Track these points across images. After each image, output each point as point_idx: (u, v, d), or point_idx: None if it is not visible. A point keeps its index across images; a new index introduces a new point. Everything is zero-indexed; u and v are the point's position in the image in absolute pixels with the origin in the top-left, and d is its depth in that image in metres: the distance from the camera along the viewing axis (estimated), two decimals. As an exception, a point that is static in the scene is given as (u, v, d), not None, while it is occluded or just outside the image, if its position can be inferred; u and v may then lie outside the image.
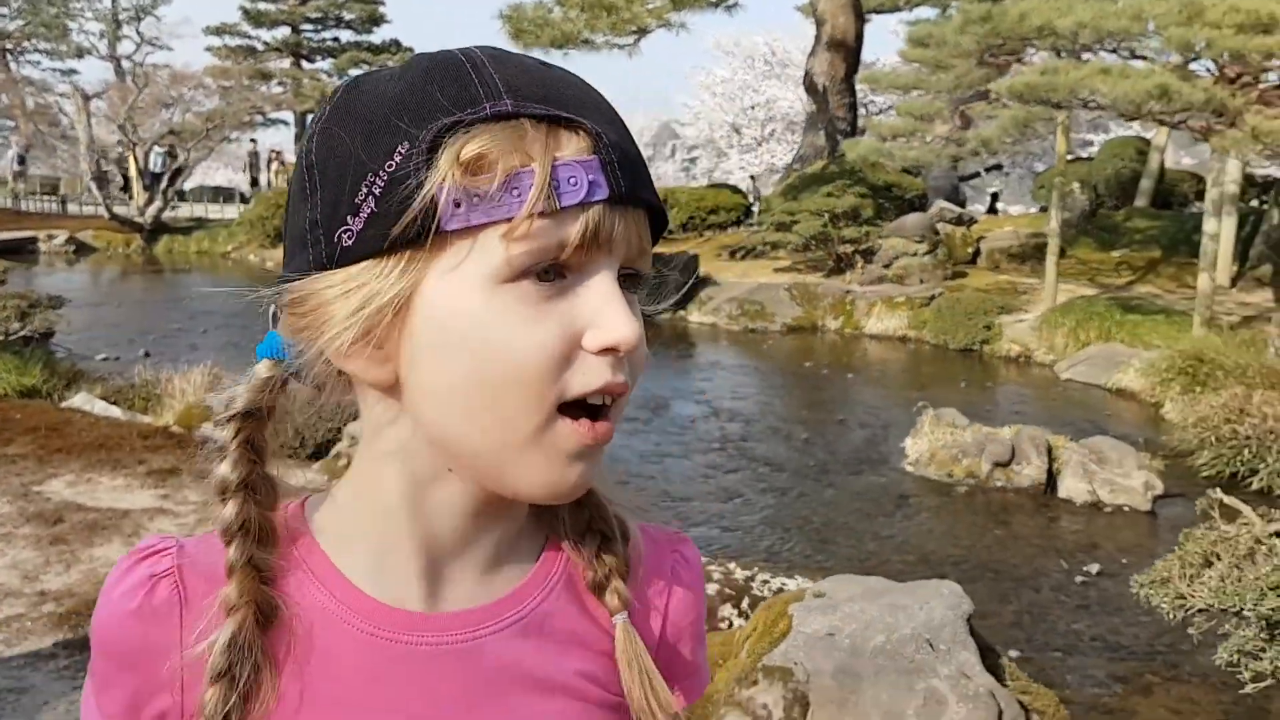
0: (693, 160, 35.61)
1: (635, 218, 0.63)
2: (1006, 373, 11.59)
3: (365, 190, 0.60)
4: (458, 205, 0.59)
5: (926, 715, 2.20)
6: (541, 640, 0.70)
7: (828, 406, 9.82)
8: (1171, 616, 2.55)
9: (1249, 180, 14.34)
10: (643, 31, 15.03)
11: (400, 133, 0.60)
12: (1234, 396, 7.52)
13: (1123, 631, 4.75)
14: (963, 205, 24.05)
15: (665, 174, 35.02)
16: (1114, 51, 9.32)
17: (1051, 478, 7.02)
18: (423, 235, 0.60)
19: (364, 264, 0.61)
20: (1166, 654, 4.55)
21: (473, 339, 0.61)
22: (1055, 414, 9.37)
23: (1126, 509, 6.58)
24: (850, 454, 8.03)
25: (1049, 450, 7.10)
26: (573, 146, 0.60)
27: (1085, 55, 10.11)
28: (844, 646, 2.37)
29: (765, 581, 3.50)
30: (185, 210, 25.73)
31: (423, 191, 0.59)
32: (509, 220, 0.58)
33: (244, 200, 25.29)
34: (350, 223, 0.61)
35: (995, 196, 27.47)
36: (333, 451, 5.81)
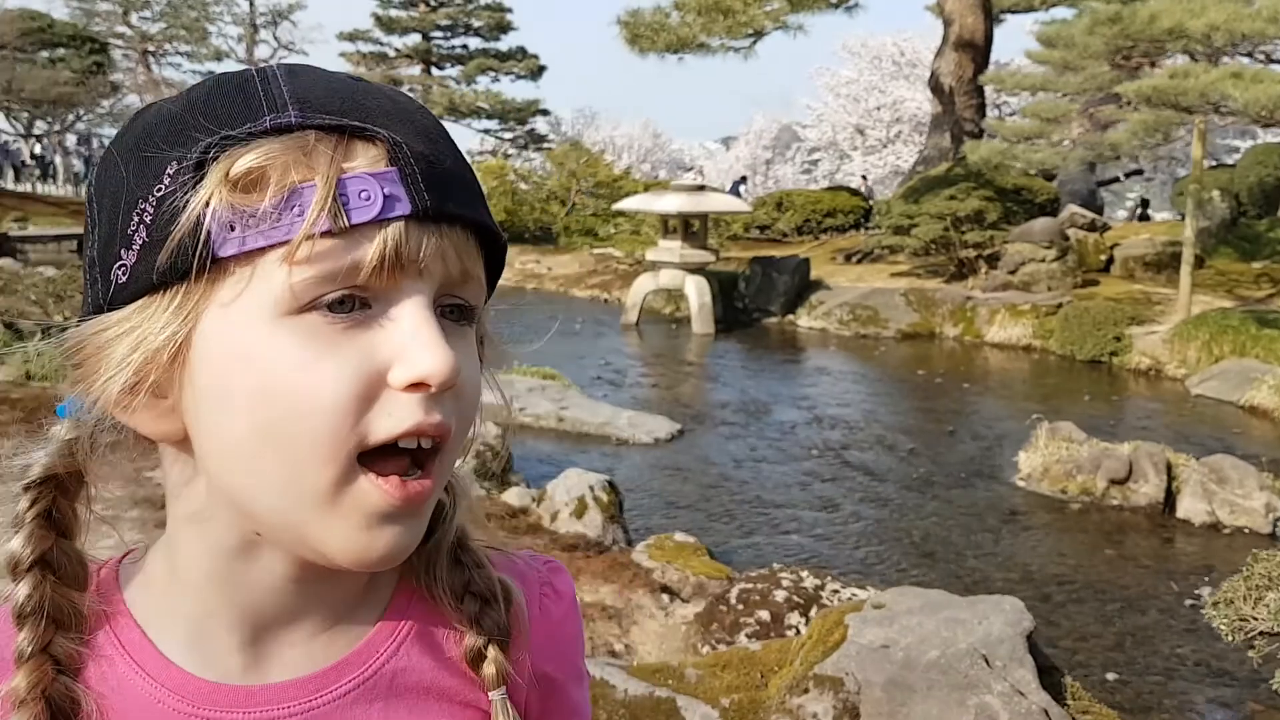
0: (814, 162, 35.21)
1: (454, 238, 0.56)
2: (1135, 386, 11.07)
3: (136, 220, 0.54)
4: (231, 228, 0.52)
5: (979, 734, 2.13)
6: (390, 701, 0.62)
7: (938, 417, 9.57)
8: (1231, 638, 2.41)
9: None
10: (759, 34, 14.94)
11: (170, 153, 0.54)
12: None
13: (1228, 657, 4.49)
14: (1100, 211, 23.10)
15: (784, 176, 34.71)
16: (1249, 55, 8.81)
17: (1170, 496, 6.68)
18: (196, 266, 0.52)
19: (138, 303, 0.54)
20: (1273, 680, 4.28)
21: (254, 382, 0.53)
22: (1182, 430, 8.91)
23: (1246, 531, 6.21)
24: (958, 466, 7.81)
25: (1168, 468, 6.76)
26: (366, 157, 0.54)
27: (1223, 59, 9.60)
28: (897, 659, 2.31)
29: (835, 591, 3.44)
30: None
31: (186, 213, 0.52)
32: (289, 242, 0.51)
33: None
34: (124, 257, 0.54)
35: (1145, 203, 26.28)
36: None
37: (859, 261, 16.60)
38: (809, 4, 14.06)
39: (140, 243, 0.53)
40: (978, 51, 17.55)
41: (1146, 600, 5.24)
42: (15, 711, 0.56)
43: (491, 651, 0.64)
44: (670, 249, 14.03)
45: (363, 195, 0.52)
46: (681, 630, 3.71)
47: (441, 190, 0.55)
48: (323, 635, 0.61)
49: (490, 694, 0.63)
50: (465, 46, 31.69)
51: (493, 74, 31.22)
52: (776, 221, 19.91)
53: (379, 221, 0.52)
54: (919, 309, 13.71)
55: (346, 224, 0.52)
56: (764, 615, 3.33)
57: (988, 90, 18.52)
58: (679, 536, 4.76)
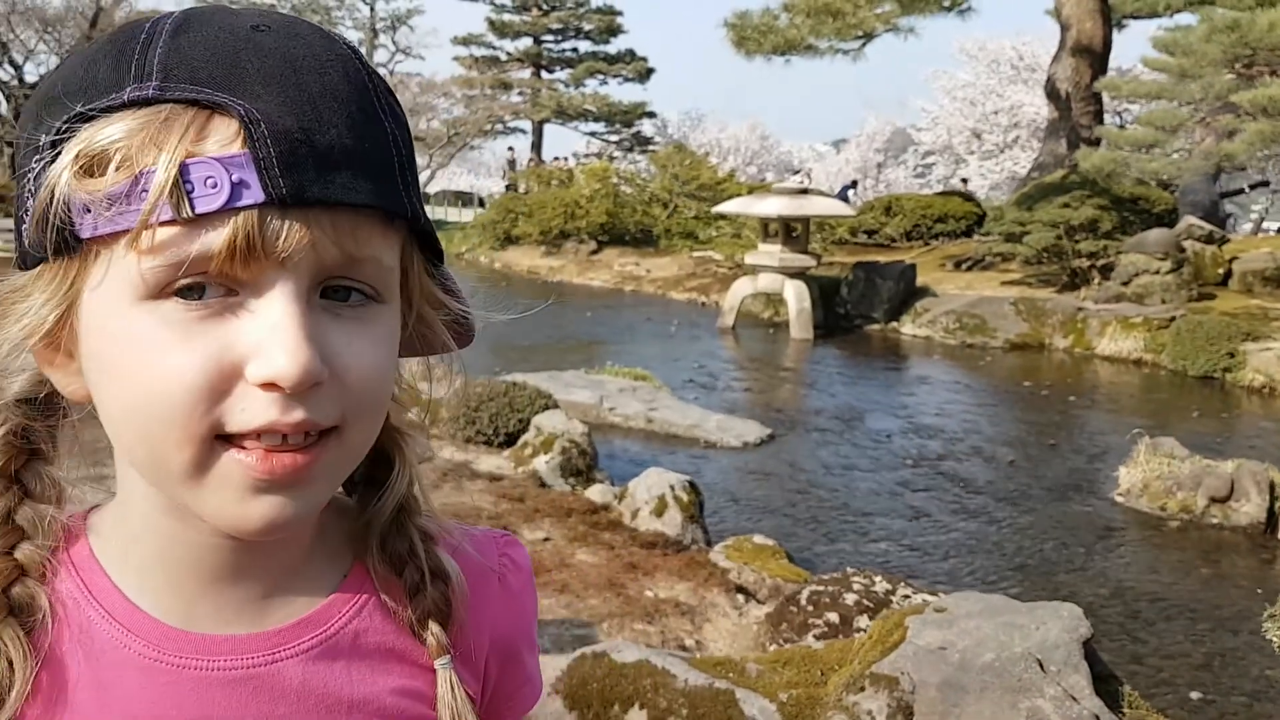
0: (927, 166, 34.59)
1: (329, 223, 0.52)
2: (1247, 404, 10.61)
3: (25, 189, 0.54)
4: (86, 210, 0.51)
5: (1029, 739, 2.15)
6: (352, 660, 0.63)
7: (1041, 429, 9.35)
8: None
9: None
10: (869, 36, 14.80)
11: (44, 123, 0.53)
12: None
13: (1325, 685, 4.33)
14: (1223, 222, 22.13)
15: (896, 180, 34.20)
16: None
17: (1272, 516, 6.42)
18: (63, 243, 0.52)
19: (38, 269, 0.54)
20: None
21: (114, 364, 0.53)
22: (1300, 452, 8.51)
23: (1359, 558, 5.94)
24: (1057, 480, 7.63)
25: (1271, 487, 6.50)
26: (221, 137, 0.50)
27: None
28: (953, 661, 2.34)
29: (906, 597, 3.45)
30: (427, 212, 27.65)
31: (42, 192, 0.51)
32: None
33: (480, 204, 26.83)
34: (25, 221, 0.54)
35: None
36: (520, 441, 6.15)
37: (969, 269, 16.29)
38: (920, 6, 13.87)
39: (26, 212, 0.53)
40: (1095, 57, 17.02)
41: (1239, 621, 5.06)
42: None
43: (431, 626, 0.65)
44: (770, 253, 14.01)
45: (209, 182, 0.49)
46: (753, 630, 3.76)
47: (308, 173, 0.51)
48: (279, 594, 0.62)
49: (435, 662, 0.65)
50: (575, 50, 32.22)
51: (601, 77, 31.66)
52: (884, 226, 19.66)
53: (228, 210, 0.50)
54: (1028, 319, 13.37)
55: (190, 213, 0.49)
56: (833, 617, 3.36)
57: (1107, 97, 17.95)
58: (758, 539, 4.81)
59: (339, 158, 0.52)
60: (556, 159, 29.04)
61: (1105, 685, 2.39)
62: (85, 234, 0.51)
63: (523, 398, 6.51)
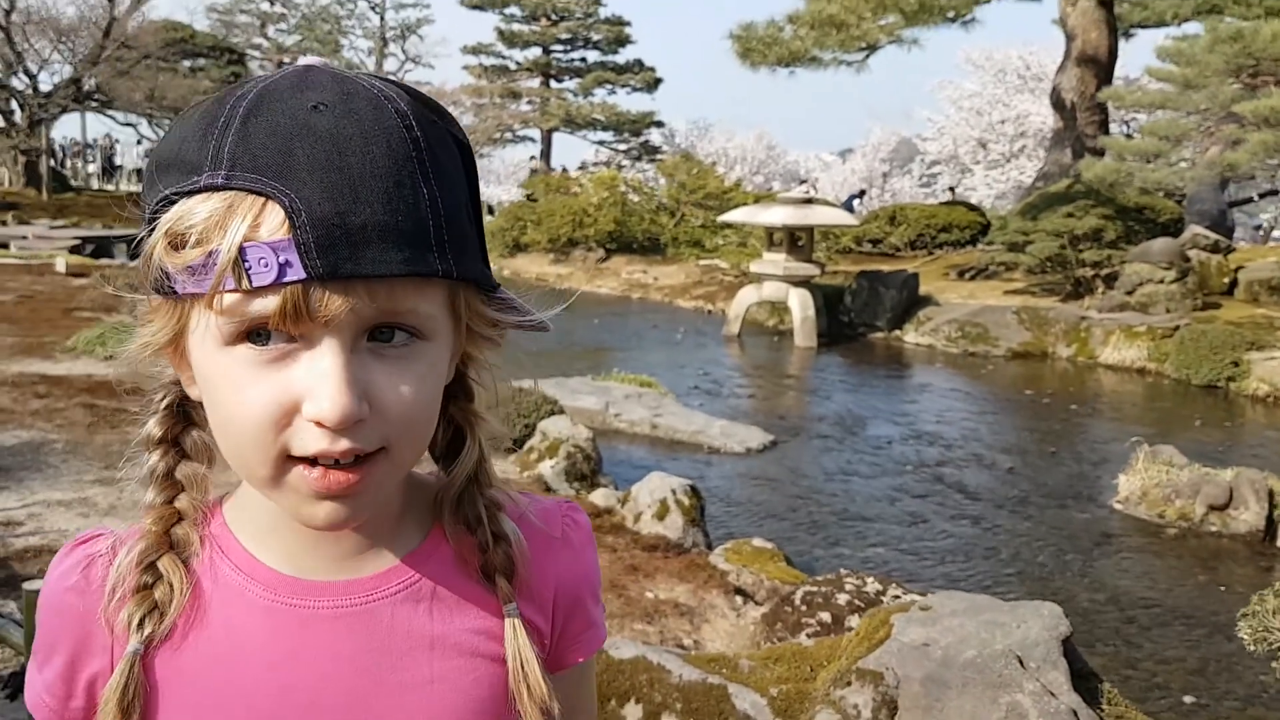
0: (933, 176, 34.65)
1: (368, 287, 0.63)
2: (1251, 413, 10.66)
3: (143, 243, 0.66)
4: (175, 274, 0.64)
5: (1008, 731, 2.23)
6: (432, 604, 0.75)
7: (1042, 437, 9.41)
8: (1255, 649, 2.43)
9: None
10: (872, 48, 14.90)
11: (153, 188, 0.66)
12: None
13: (1318, 691, 4.39)
14: (1231, 232, 22.14)
15: (901, 190, 34.27)
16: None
17: (1271, 524, 6.48)
18: (166, 293, 0.66)
19: (160, 297, 0.67)
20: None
21: (210, 394, 0.68)
22: (1300, 461, 8.56)
23: (1357, 566, 5.99)
24: (1056, 487, 7.70)
25: (1270, 495, 6.55)
26: (273, 222, 0.61)
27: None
28: (936, 657, 2.42)
29: (896, 597, 3.53)
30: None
31: (144, 256, 0.65)
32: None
33: (490, 211, 26.98)
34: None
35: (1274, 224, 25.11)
36: (526, 446, 6.25)
37: (972, 278, 16.35)
38: (925, 18, 13.97)
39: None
40: (1101, 67, 17.09)
41: (1234, 627, 5.12)
42: (141, 538, 0.73)
43: (498, 577, 0.77)
44: (774, 261, 14.10)
45: (261, 262, 0.61)
46: (750, 630, 3.85)
47: (342, 252, 0.61)
48: (372, 549, 0.75)
49: (505, 608, 0.77)
50: (584, 59, 32.39)
51: (609, 86, 31.82)
52: (889, 235, 19.74)
53: (278, 284, 0.61)
54: (1031, 328, 13.43)
55: (249, 285, 0.61)
56: (825, 617, 3.45)
57: (1112, 106, 18.02)
58: (757, 542, 4.89)
59: (372, 234, 0.62)
60: (565, 169, 29.21)
61: (1085, 683, 2.46)
62: (179, 291, 0.64)
63: (529, 403, 6.61)
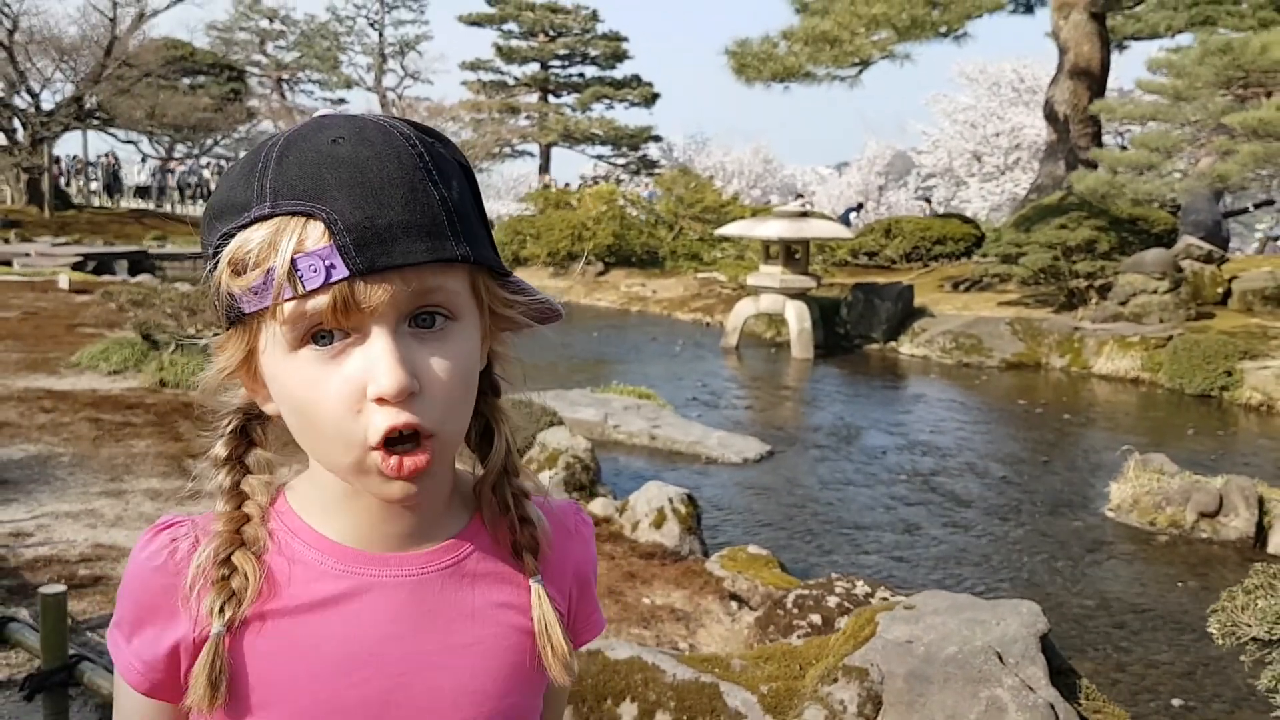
0: (929, 189, 34.83)
1: (399, 278, 0.74)
2: (1244, 422, 10.76)
3: (209, 281, 0.79)
4: (241, 297, 0.75)
5: (987, 724, 2.32)
6: (475, 579, 0.88)
7: (1035, 446, 9.51)
8: (1222, 643, 2.53)
9: None
10: (865, 63, 15.07)
11: (212, 231, 0.78)
12: None
13: (1303, 694, 4.47)
14: (1226, 242, 22.27)
15: (897, 203, 34.45)
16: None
17: (1262, 530, 6.57)
18: (234, 318, 0.78)
19: (228, 330, 0.80)
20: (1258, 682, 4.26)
21: (287, 398, 0.78)
22: (1291, 468, 8.66)
23: (1344, 571, 6.07)
24: (1048, 496, 7.79)
25: (1260, 502, 6.65)
26: (315, 235, 0.73)
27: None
28: (919, 653, 2.51)
29: (884, 599, 3.63)
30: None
31: (213, 288, 0.77)
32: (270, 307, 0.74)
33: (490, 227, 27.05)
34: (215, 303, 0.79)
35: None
36: (525, 457, 6.34)
37: (967, 290, 16.48)
38: (917, 33, 14.13)
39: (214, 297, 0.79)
40: (1093, 79, 17.25)
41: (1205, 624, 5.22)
42: (216, 520, 0.84)
43: (526, 555, 0.89)
44: (771, 274, 14.22)
45: (311, 269, 0.72)
46: (744, 633, 3.94)
47: (375, 249, 0.73)
48: (426, 529, 0.86)
49: (530, 580, 0.89)
50: (582, 75, 32.59)
51: (607, 101, 32.02)
52: (885, 248, 19.88)
53: (327, 285, 0.72)
54: (1024, 339, 13.55)
55: (304, 290, 0.72)
56: (816, 619, 3.54)
57: (1106, 118, 18.17)
58: (752, 549, 4.98)
59: (398, 232, 0.74)
60: (566, 185, 29.35)
61: (1064, 678, 2.55)
62: (246, 310, 0.76)
63: (528, 414, 6.70)
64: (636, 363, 13.49)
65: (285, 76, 37.03)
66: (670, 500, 5.23)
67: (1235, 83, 9.99)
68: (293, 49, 36.75)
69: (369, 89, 37.11)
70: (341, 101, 37.63)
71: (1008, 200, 28.80)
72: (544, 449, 6.24)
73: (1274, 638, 2.28)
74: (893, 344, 14.58)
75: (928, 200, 28.02)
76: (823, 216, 20.04)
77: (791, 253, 14.16)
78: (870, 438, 9.50)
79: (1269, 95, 10.05)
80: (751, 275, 14.90)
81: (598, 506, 5.62)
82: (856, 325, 14.98)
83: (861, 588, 3.78)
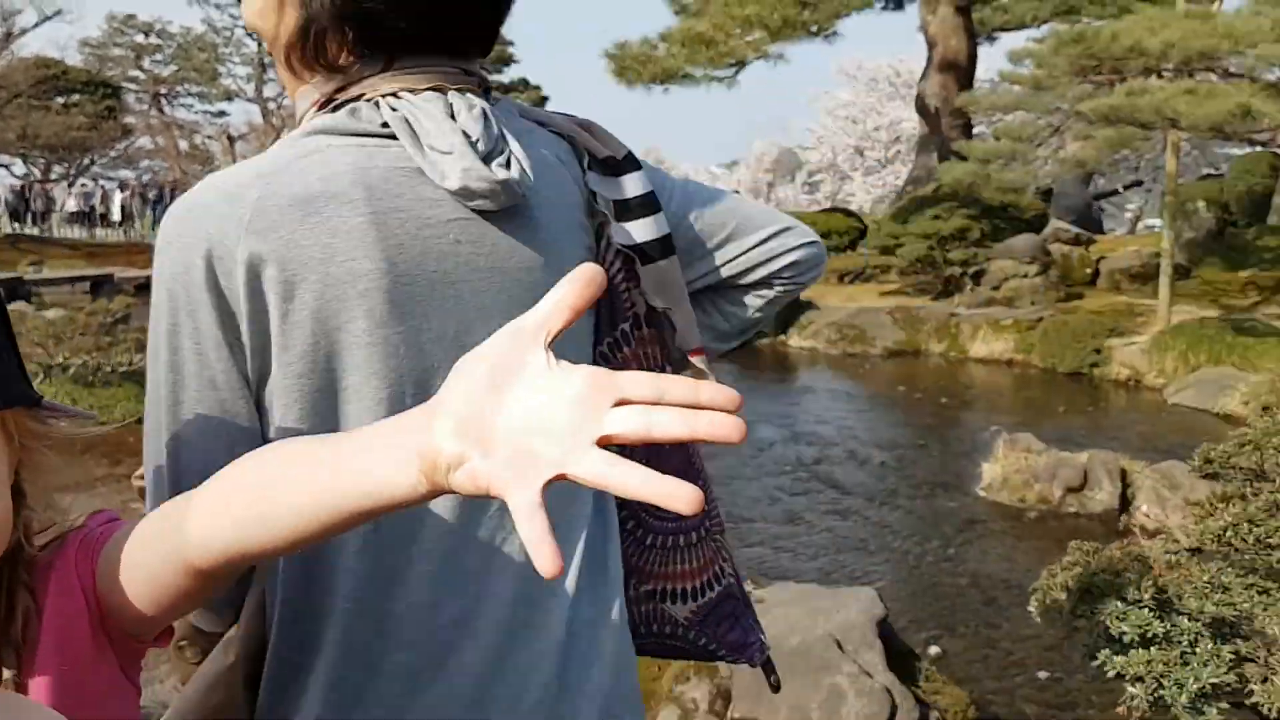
0: (815, 184, 35.57)
1: None
2: (1114, 397, 11.24)
3: None
4: None
5: (828, 708, 2.36)
6: None
7: (913, 431, 9.78)
8: (1040, 621, 2.65)
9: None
10: (741, 64, 15.32)
11: None
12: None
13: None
14: (1098, 224, 23.27)
15: (786, 199, 35.06)
16: (1209, 70, 9.06)
17: (1126, 503, 6.87)
18: None
19: None
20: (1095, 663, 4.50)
21: None
22: (1154, 440, 9.08)
23: (1196, 536, 6.40)
24: (925, 478, 8.02)
25: (1123, 475, 6.95)
26: None
27: (1200, 75, 9.82)
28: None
29: (749, 593, 3.68)
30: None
31: None
32: None
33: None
34: None
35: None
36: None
37: (852, 282, 16.86)
38: (789, 33, 14.43)
39: None
40: (962, 73, 17.85)
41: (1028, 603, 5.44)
42: None
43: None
44: (661, 274, 14.32)
45: None
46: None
47: None
48: None
49: None
50: (468, 80, 32.23)
51: (495, 106, 31.75)
52: (774, 244, 20.20)
53: None
54: (904, 327, 13.93)
55: None
56: (680, 617, 3.57)
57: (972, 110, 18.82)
58: (629, 549, 4.98)
59: None
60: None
61: (903, 661, 2.62)
62: None
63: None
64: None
65: (163, 91, 35.85)
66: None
67: (1090, 71, 10.40)
68: (170, 62, 35.59)
69: (250, 100, 36.19)
70: (222, 114, 36.62)
71: (890, 192, 29.59)
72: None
73: (1080, 613, 2.39)
74: (782, 337, 14.83)
75: (770, 185, 29.12)
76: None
77: (678, 252, 14.28)
78: (759, 431, 9.63)
79: (1123, 80, 10.50)
80: (641, 275, 14.98)
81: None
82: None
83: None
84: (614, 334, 1.09)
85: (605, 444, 0.58)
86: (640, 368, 1.10)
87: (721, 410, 0.59)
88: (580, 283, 0.61)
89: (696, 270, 1.20)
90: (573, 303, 0.60)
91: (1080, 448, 7.84)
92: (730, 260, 1.21)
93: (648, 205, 1.10)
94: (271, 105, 33.81)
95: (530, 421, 0.59)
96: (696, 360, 1.14)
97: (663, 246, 1.10)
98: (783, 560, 6.19)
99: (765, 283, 1.24)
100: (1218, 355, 10.73)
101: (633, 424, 0.58)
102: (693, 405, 0.59)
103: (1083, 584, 2.35)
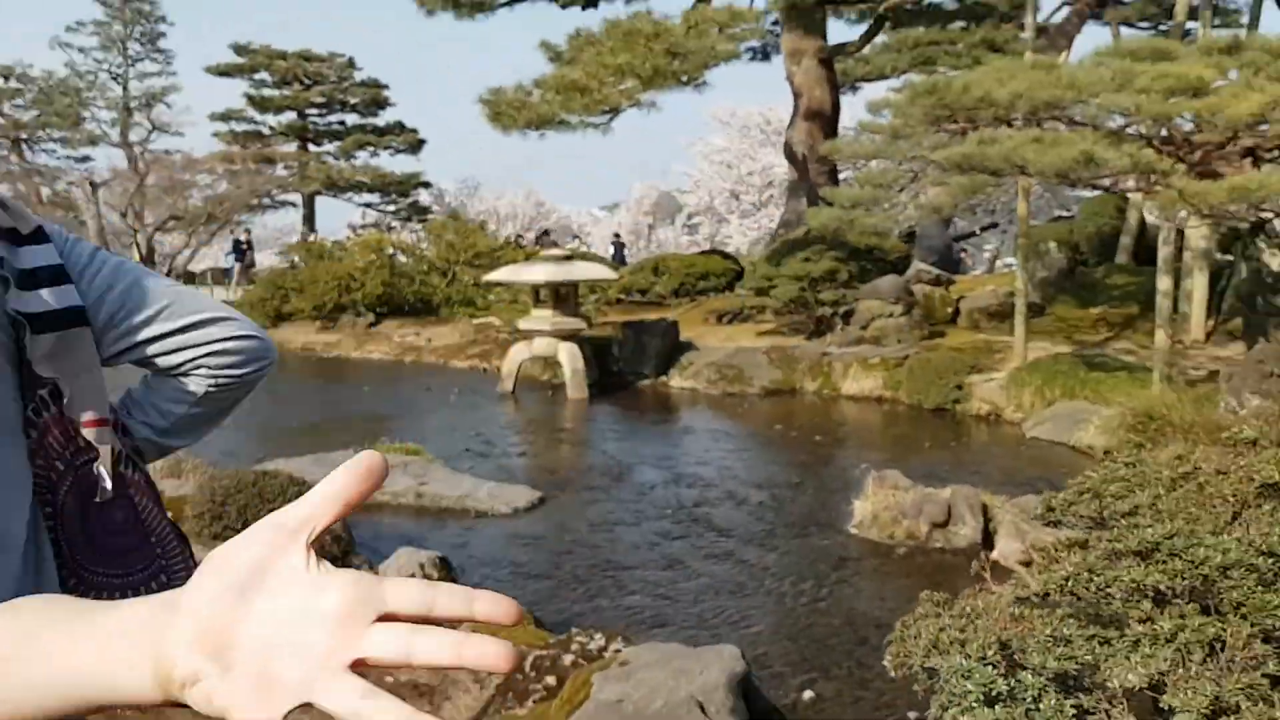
0: (694, 226, 36.27)
1: None
2: (976, 432, 11.74)
3: None
4: None
5: (690, 773, 2.42)
6: None
7: (789, 469, 10.01)
8: (895, 673, 2.77)
9: (1234, 233, 14.44)
10: (615, 111, 15.61)
11: None
12: (1174, 455, 7.66)
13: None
14: (958, 264, 24.36)
15: (666, 240, 35.67)
16: (1055, 119, 9.64)
17: (988, 537, 7.17)
18: None
19: None
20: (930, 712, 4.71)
21: None
22: (1013, 473, 9.51)
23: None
24: (800, 517, 8.21)
25: (984, 510, 7.26)
26: None
27: (1048, 124, 10.43)
28: (629, 712, 2.59)
29: (617, 651, 3.71)
30: (195, 289, 26.53)
31: None
32: None
33: (250, 282, 25.97)
34: None
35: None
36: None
37: (730, 322, 17.21)
38: (660, 82, 14.80)
39: None
40: (826, 121, 18.56)
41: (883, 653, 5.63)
42: None
43: None
44: (542, 317, 14.35)
45: None
46: (485, 702, 3.91)
47: None
48: None
49: None
50: (342, 122, 31.88)
51: (371, 149, 31.45)
52: (654, 285, 20.48)
53: None
54: (780, 366, 14.28)
55: None
56: (551, 680, 3.57)
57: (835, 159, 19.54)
58: (505, 607, 4.96)
59: None
60: (322, 239, 28.54)
61: (768, 719, 2.70)
62: None
63: (273, 486, 6.43)
64: (410, 416, 13.21)
65: (24, 136, 34.28)
66: (422, 566, 5.15)
67: (944, 120, 10.92)
68: (31, 107, 34.09)
69: (115, 144, 34.95)
70: (86, 159, 35.19)
71: (765, 235, 30.40)
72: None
73: (930, 665, 2.50)
74: (663, 378, 15.01)
75: (616, 235, 30.19)
76: (587, 258, 20.44)
77: (561, 295, 14.34)
78: (640, 474, 9.71)
79: (975, 129, 11.05)
80: (523, 319, 14.97)
81: (349, 578, 5.44)
82: (629, 362, 15.33)
83: (597, 641, 3.84)
84: (35, 399, 1.12)
85: (360, 668, 0.54)
86: (61, 433, 1.13)
87: (500, 622, 0.56)
88: (358, 474, 0.57)
89: (117, 345, 1.25)
90: (347, 497, 0.57)
91: (945, 483, 8.16)
92: (155, 339, 1.26)
93: (55, 277, 1.14)
94: (137, 150, 32.69)
95: (279, 636, 0.53)
96: (89, 431, 1.17)
97: (66, 317, 1.14)
98: (661, 608, 6.24)
99: (194, 371, 1.30)
100: (1071, 389, 11.33)
101: (392, 649, 0.54)
102: (466, 618, 0.56)
103: (931, 638, 2.47)
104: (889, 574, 6.90)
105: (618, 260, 26.29)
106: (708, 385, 14.45)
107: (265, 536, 0.56)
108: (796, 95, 19.09)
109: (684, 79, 14.86)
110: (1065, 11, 19.69)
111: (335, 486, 0.58)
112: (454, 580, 5.50)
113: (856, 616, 6.13)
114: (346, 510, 0.57)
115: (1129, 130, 9.80)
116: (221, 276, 28.71)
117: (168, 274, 23.07)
